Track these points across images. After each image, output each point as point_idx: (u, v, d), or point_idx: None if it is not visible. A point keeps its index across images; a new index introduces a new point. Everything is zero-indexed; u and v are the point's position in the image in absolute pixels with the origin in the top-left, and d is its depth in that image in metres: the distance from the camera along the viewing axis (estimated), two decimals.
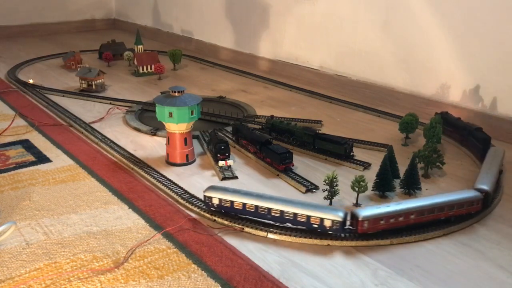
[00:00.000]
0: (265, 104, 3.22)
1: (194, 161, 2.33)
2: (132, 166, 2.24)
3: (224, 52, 4.51)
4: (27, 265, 1.55)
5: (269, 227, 1.75)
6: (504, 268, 1.59)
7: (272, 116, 2.68)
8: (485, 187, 1.90)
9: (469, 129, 2.47)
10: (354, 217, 1.70)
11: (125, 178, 2.14)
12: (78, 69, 3.58)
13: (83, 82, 3.40)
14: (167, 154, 2.30)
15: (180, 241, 1.68)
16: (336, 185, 1.89)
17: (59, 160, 2.30)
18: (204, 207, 1.87)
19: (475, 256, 1.65)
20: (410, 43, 3.04)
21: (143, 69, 3.90)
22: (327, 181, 1.89)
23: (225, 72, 4.08)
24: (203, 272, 1.52)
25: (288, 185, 2.12)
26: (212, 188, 1.84)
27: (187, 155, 2.28)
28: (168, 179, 2.12)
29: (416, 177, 2.02)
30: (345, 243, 1.69)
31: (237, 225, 1.77)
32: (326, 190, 1.91)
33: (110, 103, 3.15)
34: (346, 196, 1.99)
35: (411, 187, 2.03)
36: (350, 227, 1.71)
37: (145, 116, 2.94)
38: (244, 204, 1.76)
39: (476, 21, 2.68)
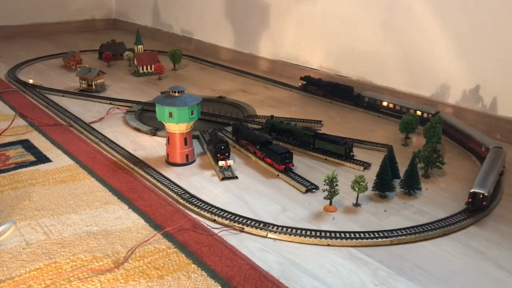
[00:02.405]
0: (265, 104, 3.22)
1: (194, 161, 2.33)
2: (132, 166, 2.24)
3: (224, 52, 4.51)
4: (27, 265, 1.55)
5: (269, 226, 1.76)
6: (504, 268, 1.59)
7: (272, 116, 2.68)
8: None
9: (332, 85, 3.25)
10: None
11: (125, 178, 2.14)
12: (78, 69, 3.58)
13: (83, 82, 3.40)
14: (167, 154, 2.30)
15: (180, 241, 1.68)
16: (336, 185, 1.89)
17: (59, 160, 2.30)
18: (203, 206, 1.87)
19: (475, 256, 1.65)
20: (410, 43, 3.04)
21: (143, 69, 3.90)
22: (327, 181, 1.89)
23: (225, 72, 4.08)
24: (203, 272, 1.52)
25: (288, 185, 2.12)
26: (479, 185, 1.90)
27: (187, 155, 2.28)
28: (168, 179, 2.12)
29: (416, 177, 2.02)
30: (345, 243, 1.69)
31: (237, 225, 1.77)
32: (326, 190, 1.91)
33: (110, 103, 3.15)
34: (346, 196, 1.99)
35: (411, 187, 2.03)
36: None
37: (145, 116, 2.94)
38: None
39: (476, 21, 2.68)
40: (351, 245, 1.69)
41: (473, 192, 1.88)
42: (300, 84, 3.49)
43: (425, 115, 2.71)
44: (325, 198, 1.92)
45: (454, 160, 2.41)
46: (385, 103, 2.95)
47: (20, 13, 5.34)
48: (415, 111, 2.74)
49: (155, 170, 2.20)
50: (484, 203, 1.87)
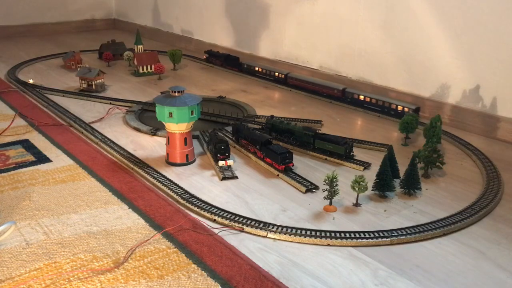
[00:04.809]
0: (265, 104, 3.22)
1: (194, 161, 2.33)
2: (132, 166, 2.24)
3: (224, 52, 4.50)
4: (27, 265, 1.55)
5: (269, 226, 1.76)
6: (504, 268, 1.59)
7: (272, 116, 2.68)
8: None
9: (224, 56, 4.13)
10: None
11: (125, 178, 2.14)
12: (78, 69, 3.58)
13: (83, 82, 3.40)
14: (167, 154, 2.30)
15: (180, 241, 1.68)
16: (336, 185, 1.89)
17: (59, 160, 2.30)
18: (203, 206, 1.87)
19: (475, 256, 1.65)
20: (410, 43, 3.04)
21: (143, 69, 3.90)
22: (327, 181, 1.89)
23: (225, 72, 4.08)
24: (203, 272, 1.52)
25: (288, 185, 2.12)
26: None
27: (187, 155, 2.28)
28: (168, 179, 2.12)
29: (416, 177, 2.02)
30: (345, 242, 1.69)
31: (237, 225, 1.77)
32: (326, 190, 1.91)
33: (110, 103, 3.15)
34: (346, 196, 1.99)
35: (411, 187, 2.03)
36: None
37: (145, 116, 2.94)
38: None
39: (476, 21, 2.68)
40: (351, 245, 1.69)
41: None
42: (204, 57, 4.32)
43: (280, 75, 3.62)
44: (325, 198, 1.92)
45: (454, 160, 2.41)
46: (257, 68, 3.83)
47: (20, 13, 5.34)
48: (274, 72, 3.68)
49: (155, 170, 2.20)
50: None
